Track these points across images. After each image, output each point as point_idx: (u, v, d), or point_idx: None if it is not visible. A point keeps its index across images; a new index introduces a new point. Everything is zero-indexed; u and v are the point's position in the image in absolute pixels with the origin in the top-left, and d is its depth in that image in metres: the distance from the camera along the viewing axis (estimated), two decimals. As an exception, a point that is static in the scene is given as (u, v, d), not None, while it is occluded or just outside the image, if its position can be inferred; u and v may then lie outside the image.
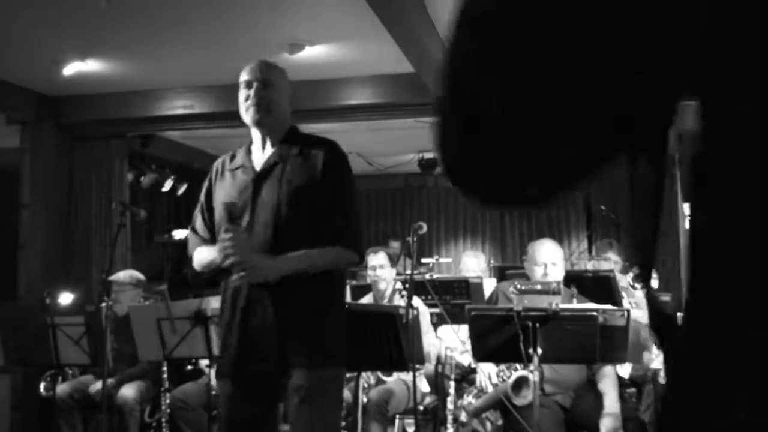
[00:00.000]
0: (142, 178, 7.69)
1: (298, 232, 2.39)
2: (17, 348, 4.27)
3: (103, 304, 4.30)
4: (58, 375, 4.81)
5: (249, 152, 2.55)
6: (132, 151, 6.86)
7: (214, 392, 4.29)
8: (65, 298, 5.57)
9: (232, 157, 2.59)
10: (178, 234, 7.81)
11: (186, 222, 8.12)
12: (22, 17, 4.46)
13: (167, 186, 8.01)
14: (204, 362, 4.59)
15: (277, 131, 2.51)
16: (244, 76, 2.52)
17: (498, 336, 3.23)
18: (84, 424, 4.74)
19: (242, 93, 2.51)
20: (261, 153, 2.52)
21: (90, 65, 5.35)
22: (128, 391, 4.63)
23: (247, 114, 2.49)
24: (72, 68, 5.33)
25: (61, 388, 4.68)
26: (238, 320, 2.42)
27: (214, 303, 4.06)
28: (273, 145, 2.51)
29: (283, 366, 2.39)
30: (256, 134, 2.54)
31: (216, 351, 3.88)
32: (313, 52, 5.17)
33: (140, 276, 5.15)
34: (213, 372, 4.17)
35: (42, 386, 4.83)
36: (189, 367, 4.93)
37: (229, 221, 2.35)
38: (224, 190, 2.51)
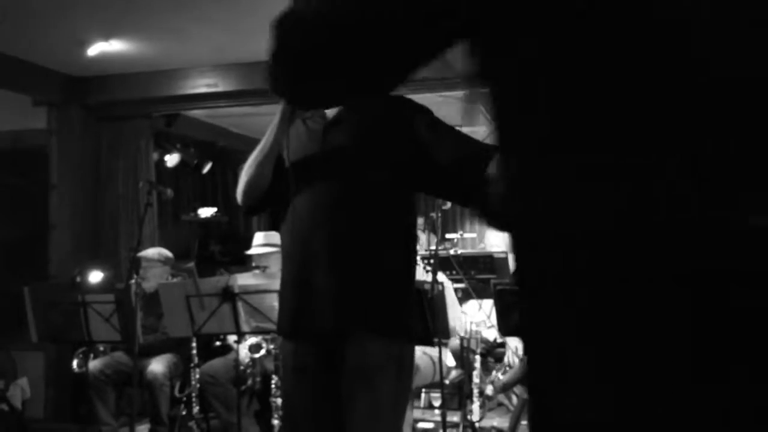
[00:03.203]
0: (167, 157, 7.75)
1: (372, 182, 2.16)
2: (49, 326, 4.35)
3: (132, 281, 4.37)
4: (89, 351, 4.91)
5: None
6: (157, 131, 6.89)
7: (242, 367, 4.35)
8: (95, 277, 5.65)
9: None
10: (204, 212, 7.88)
11: (212, 200, 8.25)
12: (47, -1, 4.49)
13: (192, 164, 8.06)
14: (232, 338, 4.65)
15: None
16: None
17: (523, 310, 3.22)
18: (116, 400, 4.84)
19: None
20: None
21: (114, 45, 5.37)
22: (158, 367, 4.70)
23: None
24: (96, 49, 5.35)
25: (93, 365, 4.78)
26: (296, 273, 2.18)
27: (241, 280, 4.11)
28: None
29: (342, 329, 2.11)
30: None
31: (244, 327, 3.95)
32: (335, 28, 5.12)
33: (168, 254, 5.21)
34: (241, 347, 4.24)
35: (75, 363, 4.92)
36: (217, 343, 5.00)
37: None
38: (296, 138, 2.30)
